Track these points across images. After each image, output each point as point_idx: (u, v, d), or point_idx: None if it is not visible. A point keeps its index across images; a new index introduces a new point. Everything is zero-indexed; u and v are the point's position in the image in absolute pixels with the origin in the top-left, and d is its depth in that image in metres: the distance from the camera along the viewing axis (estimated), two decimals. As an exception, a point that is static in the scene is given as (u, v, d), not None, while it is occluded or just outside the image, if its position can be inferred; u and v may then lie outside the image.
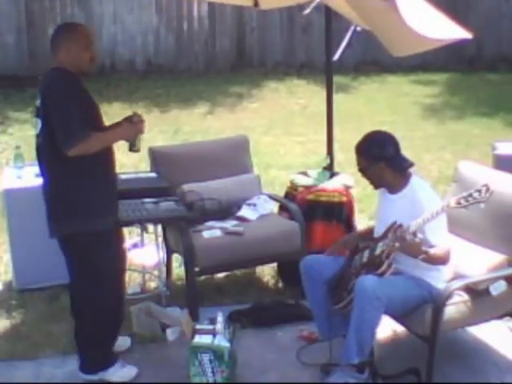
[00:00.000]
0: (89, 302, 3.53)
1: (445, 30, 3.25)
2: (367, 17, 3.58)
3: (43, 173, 3.50)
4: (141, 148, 3.57)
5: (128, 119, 3.53)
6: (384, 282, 3.33)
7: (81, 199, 3.40)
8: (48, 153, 3.39)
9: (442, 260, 3.40)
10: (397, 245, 3.32)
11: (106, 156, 3.47)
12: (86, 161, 3.31)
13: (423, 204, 3.38)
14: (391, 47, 3.16)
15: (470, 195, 3.28)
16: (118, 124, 3.57)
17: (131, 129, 3.52)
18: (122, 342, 3.80)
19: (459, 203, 3.28)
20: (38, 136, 3.46)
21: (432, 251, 3.33)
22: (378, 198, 3.75)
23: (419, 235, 3.30)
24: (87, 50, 3.43)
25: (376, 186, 3.62)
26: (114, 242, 3.57)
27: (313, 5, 4.63)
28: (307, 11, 4.78)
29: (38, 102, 3.40)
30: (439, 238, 3.39)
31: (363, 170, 3.55)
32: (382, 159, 3.48)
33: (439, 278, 3.46)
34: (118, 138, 3.50)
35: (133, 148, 3.55)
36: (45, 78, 3.45)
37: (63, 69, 3.38)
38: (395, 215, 3.44)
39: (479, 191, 3.27)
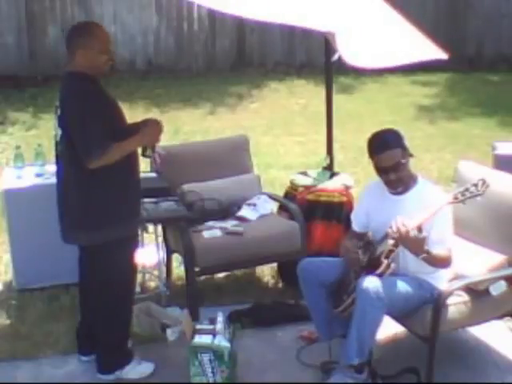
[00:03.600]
0: (103, 302, 3.53)
1: (419, 49, 3.19)
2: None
3: (62, 179, 3.46)
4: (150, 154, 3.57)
5: (144, 123, 3.52)
6: (386, 282, 3.32)
7: (106, 209, 3.37)
8: (69, 162, 3.35)
9: (444, 263, 3.38)
10: (396, 235, 3.24)
11: (130, 162, 3.44)
12: (110, 170, 3.29)
13: (436, 199, 3.34)
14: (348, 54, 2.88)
15: (467, 189, 3.28)
16: (137, 125, 3.54)
17: (149, 132, 3.51)
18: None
19: (456, 198, 3.28)
20: (57, 143, 3.43)
21: (434, 252, 3.31)
22: (368, 202, 3.65)
23: (424, 233, 3.25)
24: (103, 53, 3.36)
25: (400, 185, 3.44)
26: (133, 244, 3.59)
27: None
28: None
29: (58, 110, 3.36)
30: (445, 241, 3.36)
31: (398, 164, 3.37)
32: (408, 151, 3.43)
33: (440, 279, 3.46)
34: (137, 144, 3.47)
35: (145, 153, 3.54)
36: (62, 84, 3.40)
37: (79, 73, 3.31)
38: (407, 215, 3.32)
39: (476, 185, 3.27)
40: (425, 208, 3.32)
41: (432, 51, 3.22)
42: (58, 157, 3.49)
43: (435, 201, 3.35)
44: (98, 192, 3.36)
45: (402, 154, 3.41)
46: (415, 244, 3.27)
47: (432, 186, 3.55)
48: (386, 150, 3.39)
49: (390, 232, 3.30)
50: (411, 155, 3.46)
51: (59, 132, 3.38)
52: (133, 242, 3.58)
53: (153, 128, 3.52)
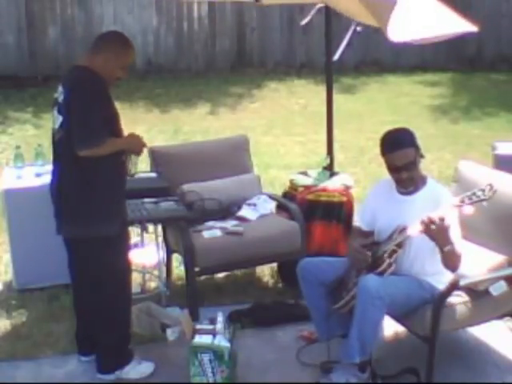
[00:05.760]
0: (97, 303, 3.53)
1: (451, 23, 3.21)
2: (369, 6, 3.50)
3: (57, 169, 3.48)
4: (135, 172, 3.64)
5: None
6: (387, 281, 3.32)
7: (94, 202, 3.38)
8: (66, 150, 3.35)
9: (456, 261, 3.34)
10: (423, 227, 3.20)
11: (121, 159, 3.47)
12: (102, 162, 3.31)
13: (445, 202, 3.33)
14: (390, 30, 3.00)
15: (474, 194, 3.27)
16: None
17: (135, 140, 3.53)
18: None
19: (463, 202, 3.28)
20: (56, 131, 3.44)
21: (455, 246, 3.27)
22: (376, 201, 3.64)
23: (447, 221, 3.21)
24: (122, 69, 3.46)
25: (411, 184, 3.44)
26: (122, 244, 3.58)
27: (311, 14, 4.64)
28: (306, 20, 4.80)
29: (60, 98, 3.38)
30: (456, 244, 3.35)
31: (410, 163, 3.37)
32: (420, 151, 3.42)
33: (441, 280, 3.45)
34: (124, 145, 3.48)
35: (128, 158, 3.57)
36: (72, 73, 3.44)
37: (92, 70, 3.35)
38: (416, 216, 3.32)
39: (483, 190, 3.26)
40: (434, 209, 3.31)
41: (463, 25, 3.23)
42: (55, 149, 3.50)
43: (444, 203, 3.34)
44: (88, 184, 3.37)
45: (415, 154, 3.40)
46: (442, 234, 3.22)
47: (441, 187, 3.54)
48: (399, 148, 3.38)
49: (393, 238, 3.31)
50: (422, 156, 3.46)
51: (59, 119, 3.39)
52: (121, 242, 3.54)
53: (137, 138, 3.55)
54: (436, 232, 3.23)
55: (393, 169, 3.43)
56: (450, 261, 3.33)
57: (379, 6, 3.15)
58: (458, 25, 3.22)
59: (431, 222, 3.21)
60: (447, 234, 3.25)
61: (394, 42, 2.87)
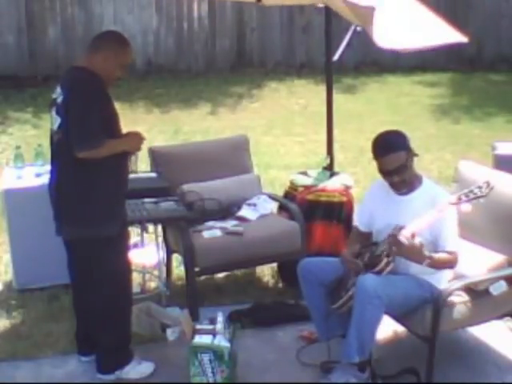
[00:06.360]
0: (97, 303, 3.53)
1: (440, 33, 3.22)
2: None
3: (55, 170, 3.48)
4: (136, 169, 3.68)
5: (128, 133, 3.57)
6: (385, 281, 3.32)
7: (93, 203, 3.38)
8: (65, 151, 3.34)
9: (449, 264, 3.37)
10: (394, 249, 3.27)
11: (122, 160, 3.47)
12: (103, 163, 3.31)
13: (442, 200, 3.34)
14: (376, 35, 2.97)
15: (471, 191, 3.28)
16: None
17: (134, 139, 3.52)
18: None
19: (460, 199, 3.28)
20: (55, 132, 3.43)
21: (436, 256, 3.30)
22: (373, 202, 3.64)
23: (418, 238, 3.25)
24: (121, 69, 3.45)
25: (403, 186, 3.45)
26: (122, 244, 3.57)
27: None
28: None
29: (59, 99, 3.37)
30: (451, 242, 3.36)
31: (401, 166, 3.37)
32: (413, 152, 3.43)
33: (441, 279, 3.46)
34: (123, 146, 3.47)
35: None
36: (70, 74, 3.45)
37: (91, 71, 3.35)
38: (413, 215, 3.33)
39: (480, 187, 3.27)
40: (431, 208, 3.31)
41: (453, 35, 3.24)
42: (53, 150, 3.50)
43: (441, 201, 3.34)
44: (86, 185, 3.36)
45: (406, 157, 3.40)
46: (413, 253, 3.27)
47: (437, 187, 3.54)
48: (389, 152, 3.38)
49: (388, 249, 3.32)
50: (416, 155, 3.46)
51: (58, 120, 3.38)
52: (121, 242, 3.54)
53: (136, 136, 3.54)
54: (405, 252, 3.26)
55: (384, 172, 3.45)
56: (438, 268, 3.36)
57: (360, 12, 3.14)
58: (448, 35, 3.22)
59: (397, 243, 3.23)
60: (419, 253, 3.25)
61: (381, 46, 2.85)
